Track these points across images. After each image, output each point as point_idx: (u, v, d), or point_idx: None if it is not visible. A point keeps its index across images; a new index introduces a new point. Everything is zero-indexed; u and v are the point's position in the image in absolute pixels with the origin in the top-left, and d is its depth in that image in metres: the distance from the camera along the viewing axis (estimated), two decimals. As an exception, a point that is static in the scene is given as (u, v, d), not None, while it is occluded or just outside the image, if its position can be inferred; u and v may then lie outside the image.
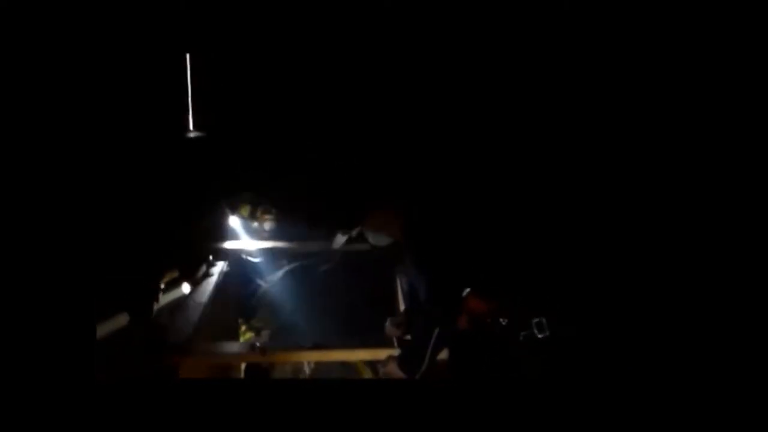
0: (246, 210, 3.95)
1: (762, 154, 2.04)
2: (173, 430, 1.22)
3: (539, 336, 2.08)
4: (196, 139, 3.52)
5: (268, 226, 4.01)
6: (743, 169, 2.15)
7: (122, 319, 2.37)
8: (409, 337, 2.66)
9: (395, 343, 2.47)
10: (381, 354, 2.49)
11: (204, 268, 3.24)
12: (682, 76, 2.41)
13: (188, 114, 3.56)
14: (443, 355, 2.24)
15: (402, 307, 2.97)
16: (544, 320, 2.08)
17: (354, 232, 2.40)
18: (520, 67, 3.31)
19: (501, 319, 2.16)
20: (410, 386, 1.79)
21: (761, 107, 2.07)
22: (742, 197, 2.13)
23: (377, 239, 2.33)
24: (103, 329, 2.25)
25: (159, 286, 2.77)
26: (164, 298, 2.73)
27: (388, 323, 2.75)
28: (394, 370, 2.34)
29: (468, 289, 2.17)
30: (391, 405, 1.34)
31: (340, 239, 2.42)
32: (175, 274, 2.91)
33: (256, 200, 3.95)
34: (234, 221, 3.84)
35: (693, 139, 2.35)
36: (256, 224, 3.99)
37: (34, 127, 1.37)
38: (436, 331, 2.13)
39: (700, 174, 2.33)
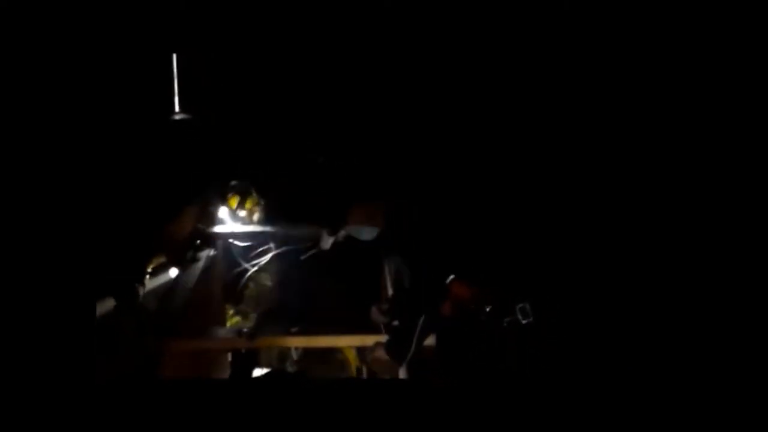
0: (234, 200, 3.93)
1: (762, 154, 2.06)
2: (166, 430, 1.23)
3: (523, 322, 2.10)
4: (182, 121, 3.49)
5: (256, 217, 4.00)
6: (741, 166, 2.17)
7: (108, 304, 2.37)
8: (396, 323, 2.68)
9: (382, 329, 2.49)
10: (368, 340, 2.50)
11: (191, 252, 3.23)
12: (681, 75, 2.42)
13: (174, 96, 3.52)
14: (430, 341, 2.26)
15: (389, 292, 2.98)
16: (527, 306, 2.11)
17: (340, 235, 2.40)
18: (503, 56, 3.31)
19: (485, 306, 2.18)
20: (402, 386, 1.79)
21: (761, 107, 2.08)
22: (735, 192, 2.15)
23: (363, 234, 2.33)
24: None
25: (144, 271, 2.75)
26: (151, 283, 2.72)
27: (373, 309, 2.76)
28: (382, 356, 2.36)
29: (452, 276, 2.19)
30: (383, 404, 1.34)
31: (327, 240, 2.42)
32: (162, 259, 2.89)
33: (244, 190, 3.93)
34: (222, 210, 3.82)
35: (684, 133, 2.37)
36: (243, 214, 3.97)
37: (19, 110, 1.35)
38: (422, 317, 2.15)
39: (687, 159, 2.35)
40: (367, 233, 2.32)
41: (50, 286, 1.32)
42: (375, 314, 2.70)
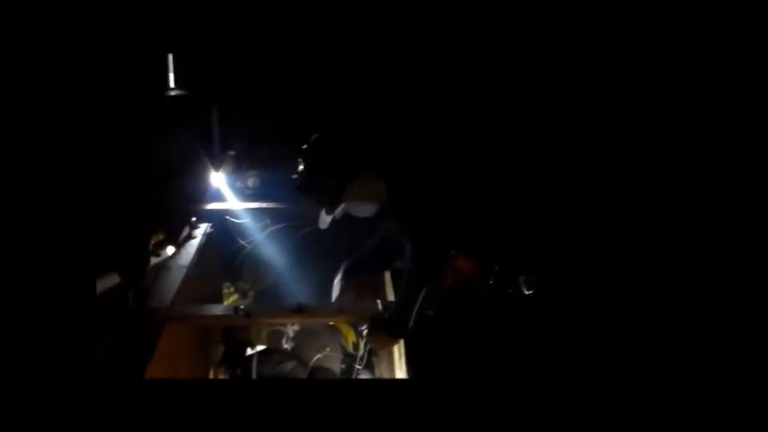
0: (230, 167, 3.91)
1: (762, 154, 2.04)
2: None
3: (526, 292, 2.10)
4: (177, 97, 3.44)
5: (251, 183, 3.98)
6: (742, 164, 2.15)
7: (111, 281, 2.37)
8: (391, 299, 2.67)
9: (379, 306, 2.48)
10: (365, 316, 2.49)
11: (187, 230, 3.21)
12: (682, 75, 2.39)
13: (169, 72, 3.47)
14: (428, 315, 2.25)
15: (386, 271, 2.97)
16: (531, 277, 2.10)
17: (338, 213, 2.36)
18: (504, 39, 3.26)
19: (488, 279, 2.18)
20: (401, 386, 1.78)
21: (761, 107, 2.06)
22: (737, 188, 2.14)
23: (362, 210, 2.30)
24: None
25: (148, 248, 2.75)
26: (151, 261, 2.72)
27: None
28: (379, 332, 2.36)
29: (454, 250, 2.18)
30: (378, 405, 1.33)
31: (325, 218, 2.38)
32: (161, 236, 2.88)
33: (241, 158, 3.92)
34: (217, 179, 3.80)
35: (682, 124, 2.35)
36: (239, 182, 3.95)
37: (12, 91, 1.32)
38: (423, 292, 2.13)
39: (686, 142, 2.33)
40: (366, 209, 2.29)
41: (50, 269, 1.30)
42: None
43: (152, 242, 2.82)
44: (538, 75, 3.05)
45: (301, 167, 2.24)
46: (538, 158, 2.50)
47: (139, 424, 1.20)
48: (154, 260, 2.77)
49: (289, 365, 2.88)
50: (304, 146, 2.25)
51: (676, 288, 2.08)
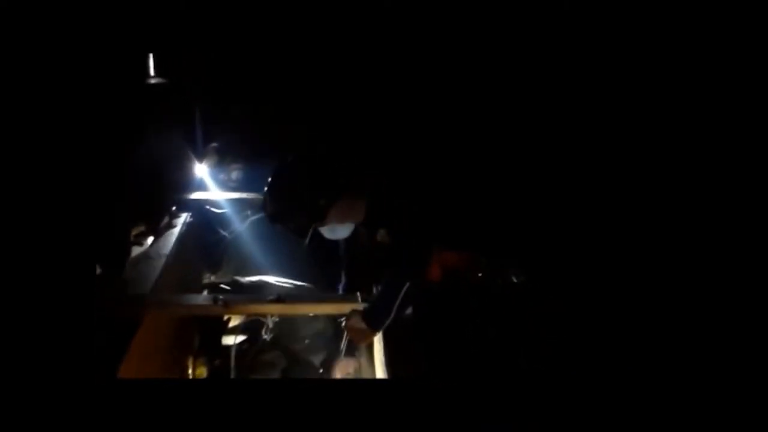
0: (213, 159, 3.90)
1: (762, 153, 2.06)
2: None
3: (516, 281, 2.12)
4: (157, 85, 3.41)
5: (235, 176, 3.98)
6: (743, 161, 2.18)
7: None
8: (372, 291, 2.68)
9: (359, 298, 2.49)
10: (345, 308, 2.50)
11: (167, 218, 3.20)
12: (683, 73, 2.41)
13: (149, 58, 3.43)
14: (408, 310, 2.26)
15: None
16: (518, 267, 2.12)
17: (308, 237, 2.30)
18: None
19: (476, 272, 2.18)
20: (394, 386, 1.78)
21: (761, 107, 2.08)
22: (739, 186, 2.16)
23: (338, 233, 2.27)
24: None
25: (129, 239, 2.74)
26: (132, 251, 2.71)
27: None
28: (357, 324, 2.36)
29: (438, 244, 2.18)
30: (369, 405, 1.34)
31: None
32: (142, 227, 2.87)
33: (222, 153, 3.90)
34: (200, 170, 3.78)
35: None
36: (222, 174, 3.94)
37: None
38: (406, 285, 2.13)
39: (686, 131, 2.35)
40: (342, 231, 2.27)
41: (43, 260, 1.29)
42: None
43: (133, 233, 2.81)
44: (527, 68, 3.06)
45: (271, 194, 2.21)
46: (525, 150, 2.51)
47: (115, 423, 1.20)
48: (135, 251, 2.76)
49: (269, 356, 2.89)
50: (271, 179, 2.21)
51: (674, 284, 2.10)
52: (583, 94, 2.76)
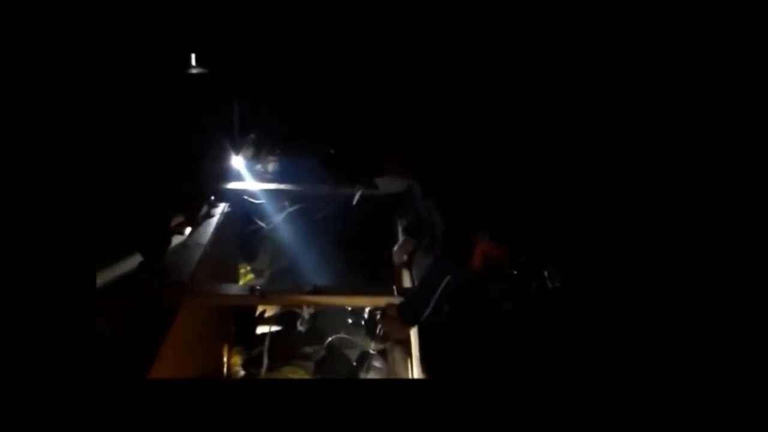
0: (250, 151, 3.91)
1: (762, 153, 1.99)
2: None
3: (551, 286, 2.07)
4: (198, 76, 3.44)
5: (271, 167, 3.99)
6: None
7: (133, 261, 2.41)
8: (407, 284, 2.67)
9: (395, 291, 2.47)
10: (381, 301, 2.49)
11: (206, 208, 3.23)
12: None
13: (190, 50, 3.46)
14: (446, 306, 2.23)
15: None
16: (556, 271, 2.07)
17: (357, 197, 2.29)
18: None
19: (513, 269, 2.14)
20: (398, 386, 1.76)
21: (761, 107, 2.01)
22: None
23: (390, 186, 2.26)
24: (115, 270, 2.29)
25: (170, 227, 2.77)
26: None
27: (396, 248, 2.74)
28: (394, 317, 2.34)
29: (482, 233, 2.13)
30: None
31: (357, 195, 2.32)
32: (181, 218, 2.90)
33: (261, 141, 3.92)
34: (237, 162, 3.81)
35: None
36: (259, 166, 3.96)
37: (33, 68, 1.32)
38: (447, 278, 2.10)
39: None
40: (396, 185, 2.25)
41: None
42: (397, 253, 2.68)
43: (173, 222, 2.84)
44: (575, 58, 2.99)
45: (329, 146, 2.20)
46: (572, 148, 2.44)
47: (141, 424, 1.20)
48: (174, 239, 2.79)
49: (306, 347, 2.89)
50: (333, 124, 2.21)
51: (680, 284, 2.04)
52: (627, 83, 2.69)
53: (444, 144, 2.16)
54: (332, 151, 2.19)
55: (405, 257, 2.71)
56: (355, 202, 2.30)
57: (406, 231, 2.86)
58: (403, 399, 1.37)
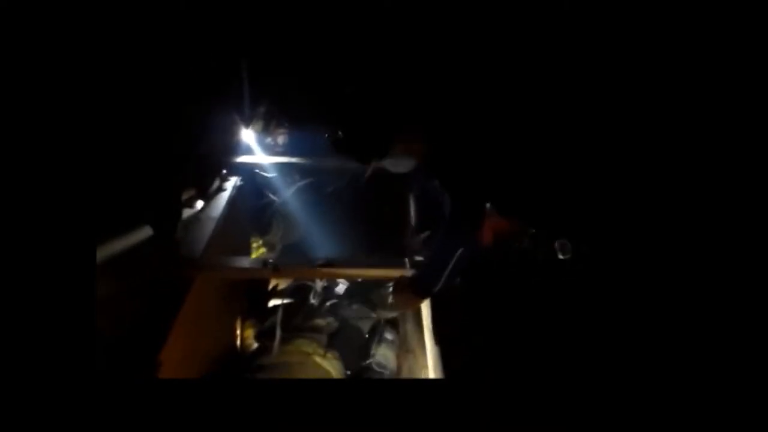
0: (259, 124, 3.90)
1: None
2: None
3: (561, 257, 2.06)
4: (208, 51, 3.42)
5: (281, 140, 3.98)
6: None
7: (144, 234, 2.41)
8: (420, 258, 2.66)
9: (407, 264, 2.48)
10: (393, 273, 2.49)
11: (218, 182, 3.23)
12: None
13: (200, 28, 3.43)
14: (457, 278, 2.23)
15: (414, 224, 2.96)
16: (567, 242, 2.06)
17: (368, 172, 2.27)
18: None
19: (523, 239, 2.14)
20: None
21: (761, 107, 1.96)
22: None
23: (400, 165, 2.24)
24: (125, 243, 2.30)
25: (181, 200, 2.77)
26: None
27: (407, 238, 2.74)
28: (405, 290, 2.35)
29: (489, 206, 2.12)
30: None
31: (368, 171, 2.30)
32: (192, 191, 2.90)
33: (270, 114, 3.90)
34: (247, 136, 3.80)
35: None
36: (269, 139, 3.95)
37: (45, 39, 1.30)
38: (459, 251, 2.09)
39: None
40: (405, 164, 2.24)
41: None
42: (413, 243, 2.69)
43: (185, 196, 2.84)
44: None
45: (338, 124, 2.18)
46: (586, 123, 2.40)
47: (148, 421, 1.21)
48: (185, 213, 2.80)
49: (319, 320, 2.91)
50: (341, 101, 2.18)
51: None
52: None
53: (452, 120, 2.13)
54: (340, 134, 2.17)
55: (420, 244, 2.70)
56: (367, 176, 2.27)
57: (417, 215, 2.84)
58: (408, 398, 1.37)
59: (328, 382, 2.29)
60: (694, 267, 1.98)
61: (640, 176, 2.20)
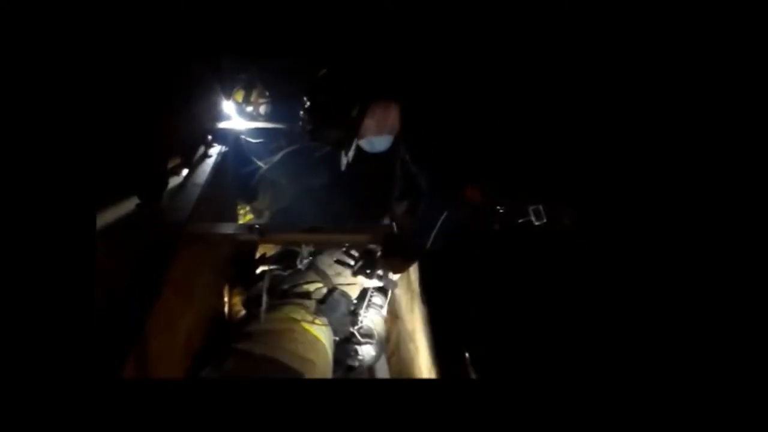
0: (240, 94, 3.86)
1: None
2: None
3: (536, 223, 2.07)
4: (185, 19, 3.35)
5: (263, 110, 3.94)
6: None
7: (131, 203, 2.39)
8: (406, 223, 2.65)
9: (394, 228, 2.47)
10: (380, 237, 2.48)
11: (202, 149, 3.19)
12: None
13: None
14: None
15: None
16: (541, 207, 2.07)
17: (350, 155, 2.26)
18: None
19: (498, 207, 2.14)
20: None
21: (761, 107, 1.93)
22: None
23: (376, 145, 2.23)
24: (112, 213, 2.27)
25: (167, 169, 2.74)
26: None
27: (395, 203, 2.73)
28: (394, 254, 2.35)
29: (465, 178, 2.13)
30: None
31: (344, 161, 2.29)
32: (178, 160, 2.86)
33: (250, 84, 3.85)
34: (228, 106, 3.75)
35: None
36: (251, 108, 3.91)
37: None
38: (444, 214, 2.10)
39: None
40: (380, 144, 2.23)
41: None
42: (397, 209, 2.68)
43: (170, 164, 2.81)
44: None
45: (308, 110, 2.18)
46: (556, 90, 2.39)
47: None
48: (171, 180, 2.77)
49: (307, 286, 2.90)
50: (310, 86, 2.18)
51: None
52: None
53: (428, 94, 2.14)
54: (307, 103, 2.16)
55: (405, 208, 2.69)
56: (343, 168, 2.28)
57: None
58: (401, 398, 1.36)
59: (326, 382, 2.29)
60: (677, 238, 1.99)
61: (608, 140, 2.20)
